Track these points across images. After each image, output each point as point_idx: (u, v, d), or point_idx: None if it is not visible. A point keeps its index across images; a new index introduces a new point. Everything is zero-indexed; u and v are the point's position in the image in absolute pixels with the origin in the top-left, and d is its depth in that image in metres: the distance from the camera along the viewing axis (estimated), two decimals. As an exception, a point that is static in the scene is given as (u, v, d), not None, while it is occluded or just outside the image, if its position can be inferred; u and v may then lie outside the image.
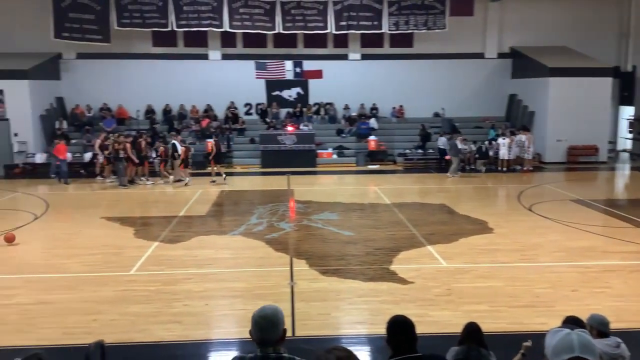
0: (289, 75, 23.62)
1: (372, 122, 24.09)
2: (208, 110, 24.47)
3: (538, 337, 2.89)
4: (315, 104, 25.27)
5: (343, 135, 24.14)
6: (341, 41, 24.51)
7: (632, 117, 24.20)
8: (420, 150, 22.67)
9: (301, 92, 24.18)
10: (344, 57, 24.76)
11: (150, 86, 24.10)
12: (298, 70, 23.72)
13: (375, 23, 23.43)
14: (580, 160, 22.01)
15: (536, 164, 21.48)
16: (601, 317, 4.29)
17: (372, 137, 23.03)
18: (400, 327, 3.46)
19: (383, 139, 23.16)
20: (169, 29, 22.72)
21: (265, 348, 2.77)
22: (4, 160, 21.05)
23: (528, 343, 4.15)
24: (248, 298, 7.95)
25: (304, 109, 24.72)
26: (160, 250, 10.43)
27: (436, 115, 25.13)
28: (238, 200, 15.50)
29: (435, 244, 10.66)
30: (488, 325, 6.40)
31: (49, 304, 7.79)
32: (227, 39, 24.14)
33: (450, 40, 24.34)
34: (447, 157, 20.86)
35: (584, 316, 4.31)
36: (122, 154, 17.87)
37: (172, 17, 22.58)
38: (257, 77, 23.40)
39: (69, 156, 19.55)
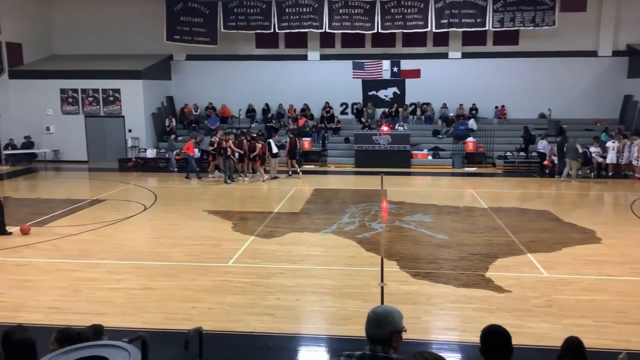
0: (386, 75, 23.49)
1: (471, 123, 23.32)
2: (305, 110, 24.93)
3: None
4: (412, 104, 24.92)
5: (439, 136, 23.59)
6: (441, 39, 23.97)
7: None
8: (522, 153, 21.59)
9: (397, 91, 23.91)
10: (444, 55, 24.20)
11: (252, 86, 25.00)
12: (395, 69, 23.52)
13: (479, 20, 22.66)
14: None
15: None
16: None
17: (470, 139, 22.30)
18: (495, 337, 3.34)
19: (482, 140, 22.34)
20: (272, 30, 23.46)
21: (375, 346, 2.80)
22: (118, 154, 22.80)
23: (623, 356, 3.83)
24: (337, 296, 8.01)
25: (400, 109, 24.45)
26: (255, 244, 10.78)
27: (541, 116, 23.83)
28: (331, 199, 15.65)
29: (536, 252, 10.11)
30: (592, 341, 6.00)
31: (153, 289, 8.32)
32: (326, 40, 24.45)
33: (559, 37, 23.00)
34: (546, 162, 19.77)
35: None
36: (229, 152, 18.51)
37: (274, 20, 23.27)
38: (354, 77, 23.49)
39: (196, 152, 20.58)
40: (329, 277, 8.86)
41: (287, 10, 23.34)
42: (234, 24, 23.70)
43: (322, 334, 6.88)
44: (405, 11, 22.98)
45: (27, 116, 23.07)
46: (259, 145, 19.07)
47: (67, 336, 3.92)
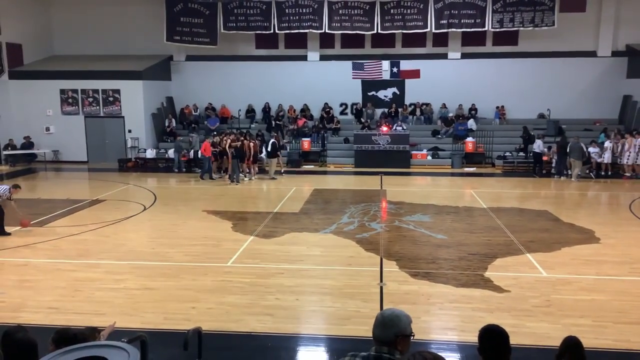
0: (386, 76, 23.55)
1: (471, 123, 23.34)
2: (304, 110, 24.93)
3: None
4: (411, 104, 24.93)
5: (439, 136, 23.61)
6: (441, 40, 24.00)
7: None
8: (521, 154, 21.60)
9: (397, 92, 23.97)
10: (443, 56, 24.22)
11: (252, 86, 25.02)
12: (395, 70, 23.55)
13: (478, 21, 22.67)
14: None
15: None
16: None
17: (469, 139, 22.31)
18: (493, 336, 3.35)
19: (481, 140, 22.35)
20: (271, 31, 23.47)
21: (381, 347, 2.81)
22: (118, 155, 22.81)
23: None
24: (337, 296, 8.01)
25: (400, 109, 24.46)
26: (255, 245, 10.78)
27: (541, 116, 23.85)
28: (330, 199, 15.66)
29: (535, 252, 10.11)
30: (591, 341, 6.00)
31: (153, 290, 8.32)
32: (326, 40, 24.47)
33: (559, 37, 23.02)
34: (545, 158, 19.85)
35: None
36: (233, 152, 18.42)
37: (274, 20, 23.29)
38: (354, 77, 23.53)
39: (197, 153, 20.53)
40: (328, 277, 8.86)
41: (287, 11, 23.35)
42: (234, 24, 23.71)
43: (321, 334, 6.88)
44: (405, 12, 22.99)
45: (27, 117, 23.09)
46: (251, 144, 19.02)
47: (64, 337, 3.92)
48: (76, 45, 25.08)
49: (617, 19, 23.21)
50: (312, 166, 22.01)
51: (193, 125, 24.38)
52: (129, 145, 23.18)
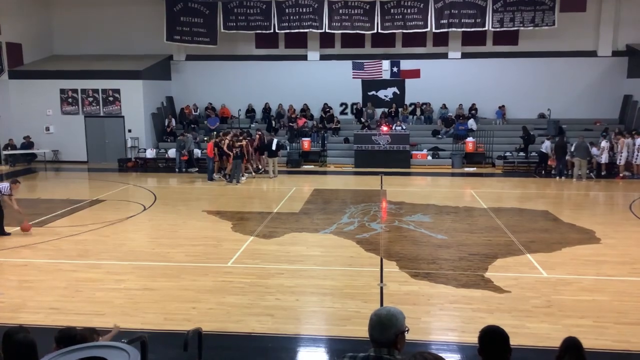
0: (386, 75, 23.56)
1: (471, 123, 23.35)
2: (305, 110, 24.95)
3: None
4: (412, 104, 24.95)
5: (439, 136, 23.62)
6: (441, 40, 24.02)
7: None
8: (522, 154, 21.60)
9: (397, 92, 23.97)
10: (444, 55, 24.24)
11: (252, 86, 25.06)
12: (395, 69, 23.57)
13: (479, 20, 22.68)
14: None
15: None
16: None
17: (469, 139, 22.32)
18: (493, 337, 3.36)
19: (482, 140, 22.36)
20: (271, 31, 23.48)
21: (380, 348, 2.79)
22: (118, 154, 22.84)
23: None
24: (337, 296, 8.02)
25: (400, 109, 24.48)
26: (255, 245, 10.79)
27: (541, 116, 23.87)
28: (330, 199, 15.67)
29: (536, 253, 10.12)
30: (591, 342, 6.01)
31: (153, 290, 8.33)
32: (326, 40, 24.49)
33: (559, 37, 23.05)
34: (550, 161, 19.82)
35: None
36: (237, 152, 18.43)
37: (274, 20, 23.29)
38: (354, 77, 23.54)
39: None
40: (328, 277, 8.87)
41: (287, 10, 23.36)
42: (234, 24, 23.72)
43: (322, 334, 6.89)
44: (405, 11, 23.00)
45: (27, 116, 23.14)
46: (243, 143, 19.06)
47: (67, 336, 3.93)
48: (76, 45, 25.14)
49: (617, 18, 23.23)
50: (312, 166, 22.02)
51: (193, 125, 24.40)
52: (129, 145, 23.22)
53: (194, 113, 25.22)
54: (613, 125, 22.73)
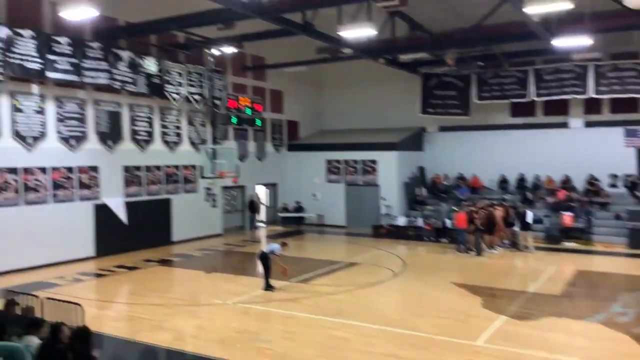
0: (668, 142, 20.33)
1: None
2: (565, 182, 22.96)
3: None
4: None
5: None
6: None
7: None
8: None
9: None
10: None
11: (505, 156, 24.19)
12: (681, 136, 20.20)
13: None
14: None
15: None
16: None
17: None
18: None
19: None
20: (528, 99, 22.57)
21: None
22: (372, 221, 24.01)
23: None
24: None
25: (689, 182, 20.66)
26: (507, 325, 10.06)
27: None
28: (598, 283, 13.81)
29: None
30: None
31: (401, 359, 8.33)
32: (591, 105, 22.47)
33: None
34: None
35: None
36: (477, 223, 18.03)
37: (532, 88, 22.39)
38: (627, 146, 20.94)
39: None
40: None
41: (546, 77, 22.26)
42: (488, 94, 23.52)
43: None
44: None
45: (299, 183, 26.29)
46: (497, 214, 18.20)
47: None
48: (341, 121, 28.04)
49: None
50: (575, 244, 19.82)
51: (443, 194, 24.54)
52: (382, 212, 24.29)
53: (444, 182, 25.40)
54: None
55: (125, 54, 17.81)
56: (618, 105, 21.95)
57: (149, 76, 18.63)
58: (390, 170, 24.40)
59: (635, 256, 17.65)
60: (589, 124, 22.69)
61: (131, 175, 18.86)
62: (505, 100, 23.41)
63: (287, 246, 13.51)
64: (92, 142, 17.51)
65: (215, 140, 21.36)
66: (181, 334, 9.78)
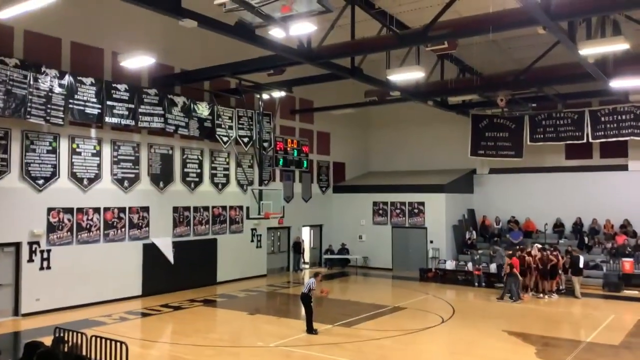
0: None
1: None
2: (625, 226, 21.99)
3: None
4: None
5: None
6: None
7: None
8: None
9: None
10: None
11: (560, 199, 23.55)
12: None
13: None
14: None
15: None
16: None
17: None
18: None
19: None
20: (584, 141, 21.98)
21: None
22: (419, 264, 23.62)
23: None
24: None
25: None
26: (562, 377, 9.56)
27: None
28: (663, 335, 12.96)
29: None
30: None
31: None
32: (652, 147, 21.67)
33: None
34: None
35: None
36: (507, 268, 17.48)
37: (587, 129, 21.83)
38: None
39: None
40: None
41: (603, 119, 21.66)
42: (542, 136, 23.07)
43: None
44: None
45: (345, 225, 26.29)
46: (552, 259, 17.58)
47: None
48: (388, 163, 28.16)
49: None
50: (637, 292, 18.77)
51: (495, 238, 23.92)
52: (430, 255, 23.89)
53: (495, 226, 24.80)
54: None
55: (180, 99, 18.69)
56: (681, 146, 21.07)
57: (201, 120, 19.41)
58: (439, 212, 24.11)
59: None
60: (650, 166, 21.83)
61: (180, 216, 19.38)
62: (559, 142, 22.88)
63: (320, 276, 13.53)
64: (144, 184, 18.16)
65: (261, 182, 21.76)
66: (222, 375, 9.77)
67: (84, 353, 8.21)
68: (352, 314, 14.84)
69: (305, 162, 24.91)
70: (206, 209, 20.42)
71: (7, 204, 14.43)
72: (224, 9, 9.13)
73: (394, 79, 15.45)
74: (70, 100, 15.38)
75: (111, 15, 16.46)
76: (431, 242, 24.25)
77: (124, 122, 16.75)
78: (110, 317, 14.69)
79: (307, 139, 25.30)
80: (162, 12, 10.17)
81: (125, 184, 17.49)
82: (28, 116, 14.30)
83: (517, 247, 20.40)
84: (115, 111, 16.53)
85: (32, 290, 14.84)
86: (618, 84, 15.63)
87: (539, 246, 19.62)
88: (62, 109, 15.19)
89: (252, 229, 22.23)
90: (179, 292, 18.22)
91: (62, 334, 8.61)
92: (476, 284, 20.66)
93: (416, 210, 24.89)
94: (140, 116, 17.19)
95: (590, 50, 12.12)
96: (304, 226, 25.39)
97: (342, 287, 19.91)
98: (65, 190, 15.82)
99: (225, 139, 20.51)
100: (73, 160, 16.09)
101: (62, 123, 15.29)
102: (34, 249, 14.96)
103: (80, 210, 16.17)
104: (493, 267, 20.87)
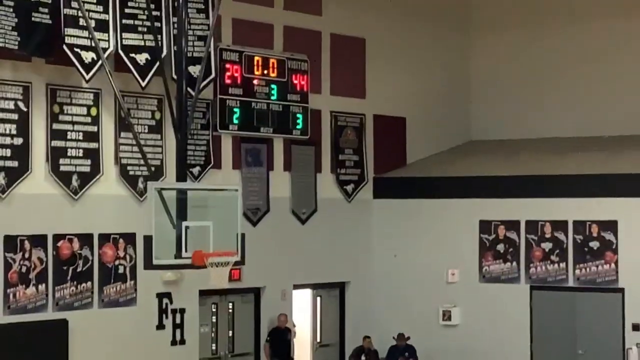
0: None
1: None
2: None
3: None
4: None
5: None
6: None
7: None
8: None
9: None
10: None
11: None
12: None
13: None
14: None
15: None
16: None
17: None
18: None
19: None
20: None
21: None
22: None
23: None
24: None
25: None
26: None
27: None
28: None
29: None
30: None
31: None
32: None
33: None
34: None
35: None
36: None
37: None
38: None
39: None
40: None
41: None
42: None
43: None
44: None
45: (404, 283, 13.04)
46: None
47: None
48: (518, 119, 15.31)
49: None
50: None
51: None
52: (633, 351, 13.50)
53: None
54: None
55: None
56: None
57: (23, 7, 8.92)
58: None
59: None
60: None
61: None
62: None
63: None
64: None
65: (184, 170, 11.25)
66: None
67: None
68: None
69: (300, 117, 11.90)
70: (40, 242, 9.04)
71: None
72: None
73: None
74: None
75: None
76: (637, 328, 12.18)
77: None
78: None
79: (305, 57, 11.88)
80: None
81: None
82: None
83: None
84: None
85: None
86: None
87: None
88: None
89: (160, 297, 10.35)
90: None
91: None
92: None
93: (596, 244, 12.48)
94: None
95: None
96: (297, 287, 11.86)
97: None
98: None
99: (86, 55, 9.14)
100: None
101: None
102: None
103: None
104: None
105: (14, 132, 8.27)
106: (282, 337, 11.18)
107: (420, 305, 12.38)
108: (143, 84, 9.03)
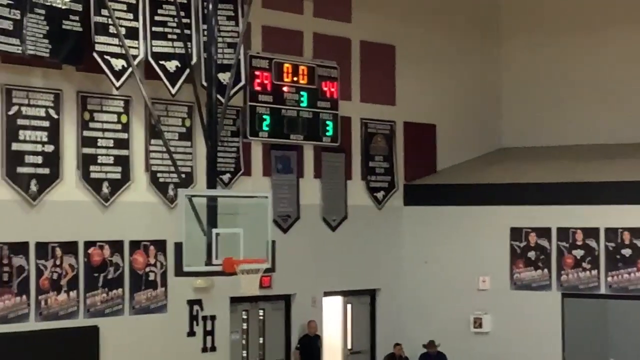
0: None
1: None
2: None
3: None
4: None
5: None
6: None
7: None
8: None
9: None
10: None
11: None
12: None
13: None
14: None
15: None
16: None
17: None
18: None
19: None
20: None
21: None
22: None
23: None
24: None
25: None
26: None
27: None
28: None
29: None
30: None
31: None
32: None
33: None
34: None
35: None
36: None
37: None
38: None
39: None
40: None
41: None
42: None
43: None
44: None
45: (435, 291, 11.81)
46: None
47: None
48: (550, 126, 14.05)
49: None
50: None
51: None
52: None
53: None
54: None
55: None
56: None
57: (53, 15, 8.69)
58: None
59: None
60: None
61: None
62: None
63: None
64: None
65: (215, 177, 10.44)
66: None
67: None
68: None
69: (330, 124, 10.65)
70: (71, 249, 8.45)
71: None
72: None
73: None
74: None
75: None
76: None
77: None
78: None
79: (334, 63, 10.82)
80: None
81: None
82: None
83: None
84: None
85: None
86: None
87: None
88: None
89: (191, 304, 9.71)
90: None
91: None
92: None
93: (628, 251, 11.40)
94: None
95: None
96: (327, 294, 10.81)
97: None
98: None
99: (117, 63, 8.56)
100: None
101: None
102: None
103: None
104: None
105: (45, 139, 7.81)
106: (312, 344, 10.57)
107: (451, 312, 11.60)
108: (173, 91, 8.58)
